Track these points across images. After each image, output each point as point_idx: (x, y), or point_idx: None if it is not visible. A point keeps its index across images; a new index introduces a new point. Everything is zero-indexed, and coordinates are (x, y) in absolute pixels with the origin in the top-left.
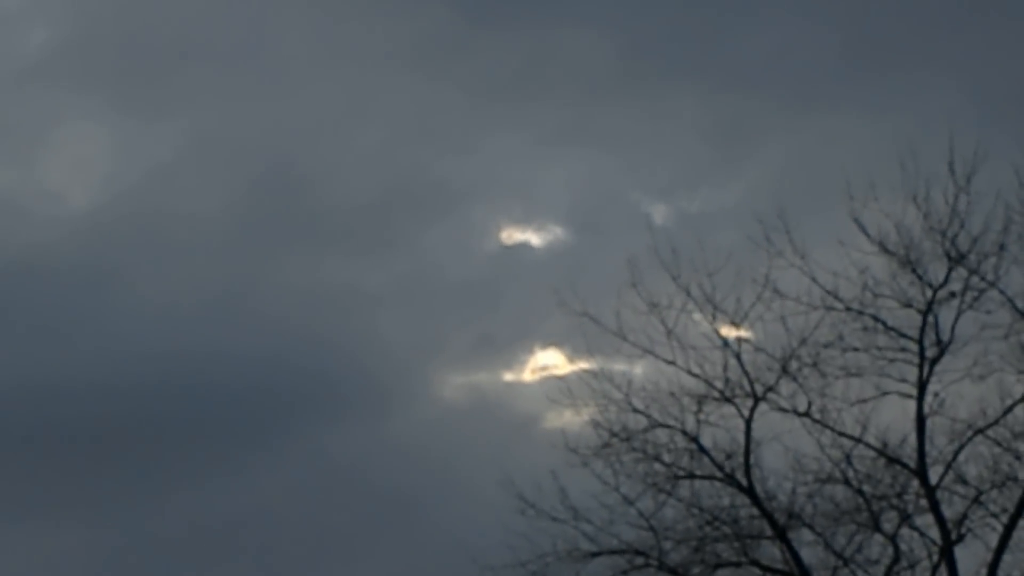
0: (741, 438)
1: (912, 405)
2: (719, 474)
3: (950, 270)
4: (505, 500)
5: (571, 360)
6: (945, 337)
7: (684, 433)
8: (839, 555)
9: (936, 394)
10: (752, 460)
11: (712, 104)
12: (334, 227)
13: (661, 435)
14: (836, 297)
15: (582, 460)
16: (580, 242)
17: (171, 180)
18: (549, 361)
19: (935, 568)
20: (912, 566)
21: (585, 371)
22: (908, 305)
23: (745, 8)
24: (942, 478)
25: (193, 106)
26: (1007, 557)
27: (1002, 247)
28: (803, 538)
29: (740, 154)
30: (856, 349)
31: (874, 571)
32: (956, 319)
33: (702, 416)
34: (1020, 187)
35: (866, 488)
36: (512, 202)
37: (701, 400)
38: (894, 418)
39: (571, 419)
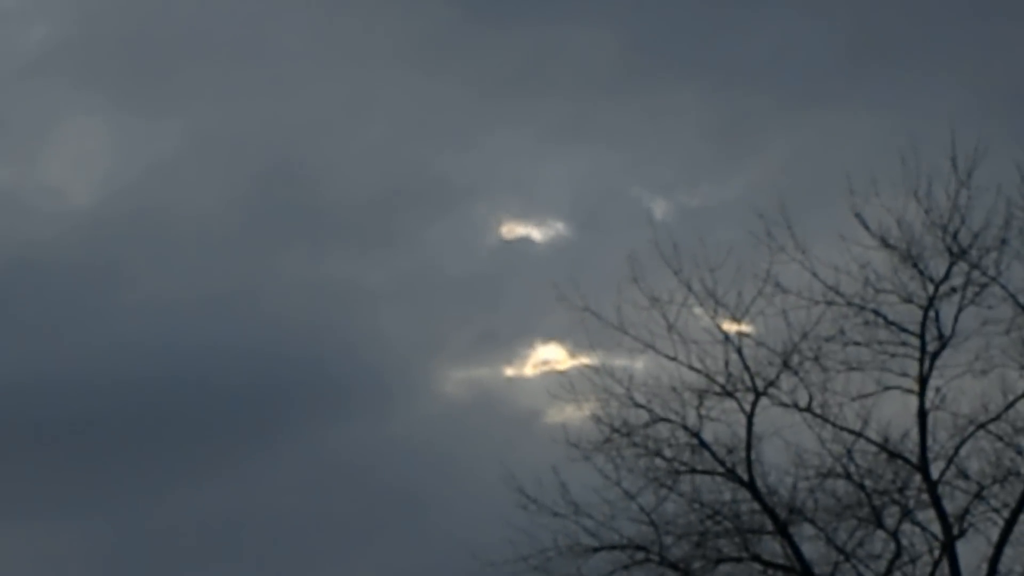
0: (742, 433)
1: (913, 400)
2: (720, 469)
3: (951, 265)
4: (506, 495)
5: (572, 355)
6: (946, 332)
7: (685, 428)
8: (840, 550)
9: (937, 389)
10: (753, 455)
11: (714, 100)
12: (335, 223)
13: (662, 430)
14: (837, 292)
15: (583, 455)
16: (581, 237)
17: (172, 177)
18: (550, 356)
19: (936, 563)
20: (913, 561)
21: (586, 366)
22: (909, 300)
23: (747, 5)
24: (943, 473)
25: (194, 102)
26: (1008, 551)
27: (1003, 242)
28: (804, 533)
29: (742, 150)
30: (857, 344)
31: (875, 566)
32: (957, 314)
33: (703, 411)
34: (1021, 182)
35: (867, 483)
36: (513, 198)
37: (702, 395)
38: (895, 413)
39: (572, 414)
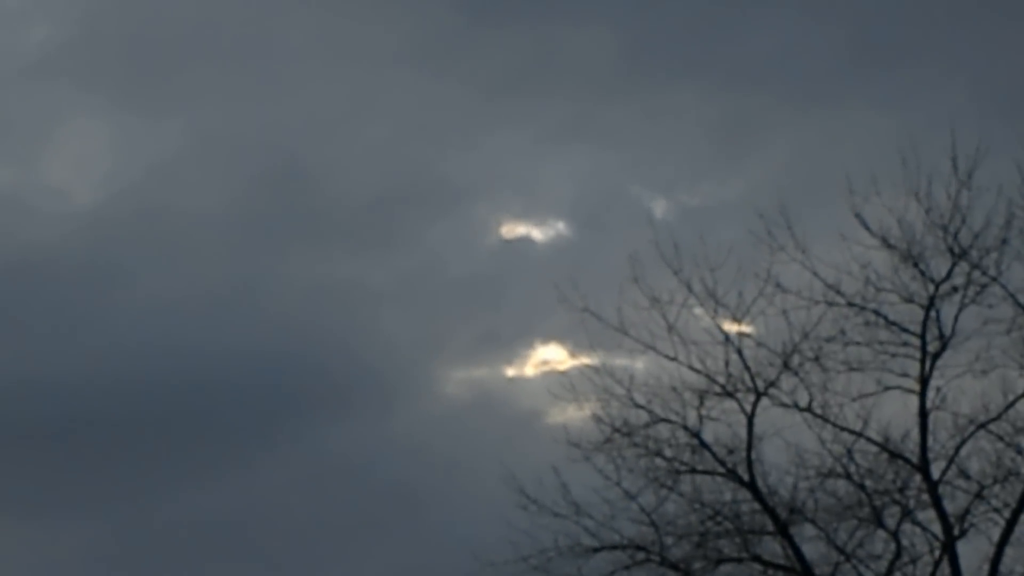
0: (743, 433)
1: (914, 400)
2: (721, 469)
3: (952, 265)
4: (507, 495)
5: (573, 355)
6: (947, 332)
7: (686, 428)
8: (841, 550)
9: (938, 389)
10: (754, 455)
11: (715, 100)
12: (337, 224)
13: (663, 430)
14: (838, 292)
15: (584, 455)
16: (582, 237)
17: (174, 177)
18: (551, 356)
19: (937, 563)
20: (914, 561)
21: (587, 366)
22: (910, 300)
23: (748, 5)
24: (944, 473)
25: (196, 103)
26: (1009, 552)
27: (1004, 242)
28: (805, 533)
29: (742, 149)
30: (858, 344)
31: (876, 566)
32: (958, 314)
33: (704, 411)
34: (1022, 182)
35: (868, 483)
36: (514, 198)
37: (703, 395)
38: (896, 413)
39: (573, 414)
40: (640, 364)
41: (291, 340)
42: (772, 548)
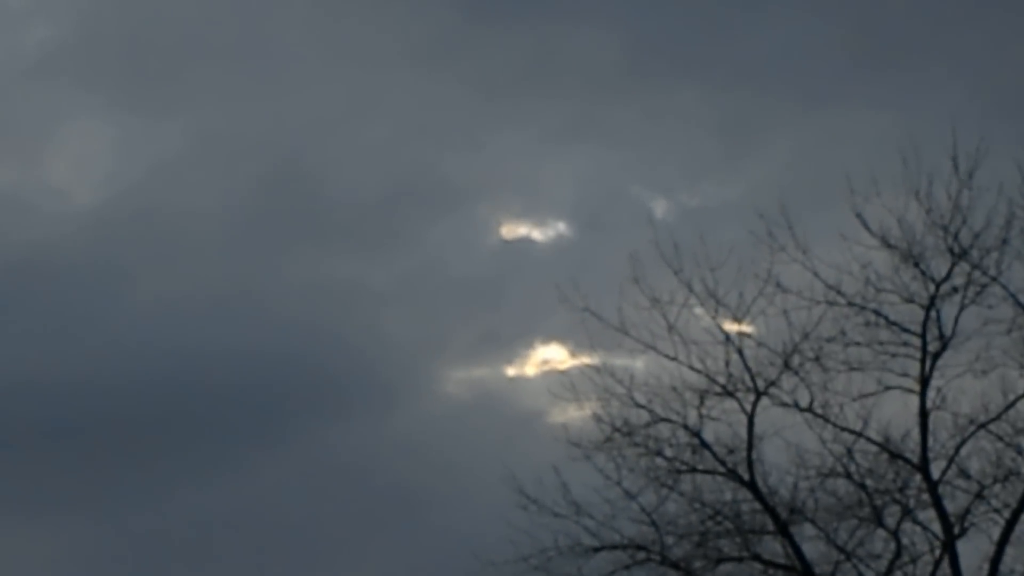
0: (743, 433)
1: (914, 400)
2: (721, 469)
3: (952, 265)
4: (507, 495)
5: (573, 355)
6: (947, 332)
7: (686, 428)
8: (841, 549)
9: (938, 389)
10: (754, 455)
11: (716, 100)
12: (338, 224)
13: (663, 430)
14: (838, 292)
15: (584, 455)
16: (583, 237)
17: (175, 177)
18: (551, 356)
19: (937, 563)
20: (914, 560)
21: (587, 366)
22: (910, 300)
23: (749, 5)
24: (944, 473)
25: (197, 103)
26: (1009, 551)
27: (1004, 242)
28: (805, 533)
29: (743, 150)
30: (858, 344)
31: (876, 566)
32: (958, 314)
33: (704, 411)
34: (1023, 182)
35: (868, 483)
36: (515, 198)
37: (703, 395)
38: (896, 413)
39: (573, 414)
40: (640, 364)
41: (291, 340)
42: (772, 548)
